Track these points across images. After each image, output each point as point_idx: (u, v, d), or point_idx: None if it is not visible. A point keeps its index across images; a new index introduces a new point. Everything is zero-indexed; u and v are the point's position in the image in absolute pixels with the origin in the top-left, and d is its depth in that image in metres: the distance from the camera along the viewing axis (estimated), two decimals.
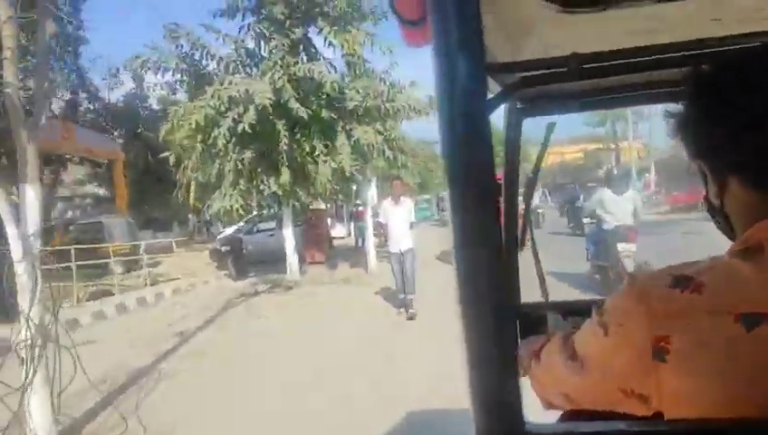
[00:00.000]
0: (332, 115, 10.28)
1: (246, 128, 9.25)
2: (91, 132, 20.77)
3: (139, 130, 23.48)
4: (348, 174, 10.02)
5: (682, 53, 0.97)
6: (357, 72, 10.48)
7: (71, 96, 24.13)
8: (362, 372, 4.77)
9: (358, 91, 10.32)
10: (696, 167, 0.69)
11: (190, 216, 25.39)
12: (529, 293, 1.37)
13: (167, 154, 11.08)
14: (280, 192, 10.22)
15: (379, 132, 10.40)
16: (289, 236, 11.54)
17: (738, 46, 0.87)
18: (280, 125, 9.92)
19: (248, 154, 10.20)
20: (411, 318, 7.01)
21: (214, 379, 4.97)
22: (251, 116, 9.28)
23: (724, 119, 0.61)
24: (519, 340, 0.94)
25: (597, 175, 35.13)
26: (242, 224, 16.38)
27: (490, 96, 1.02)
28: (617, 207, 6.76)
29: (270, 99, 9.09)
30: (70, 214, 23.35)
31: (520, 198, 1.47)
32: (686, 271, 0.61)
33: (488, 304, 0.48)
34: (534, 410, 0.69)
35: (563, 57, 0.97)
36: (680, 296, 0.59)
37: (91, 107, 25.21)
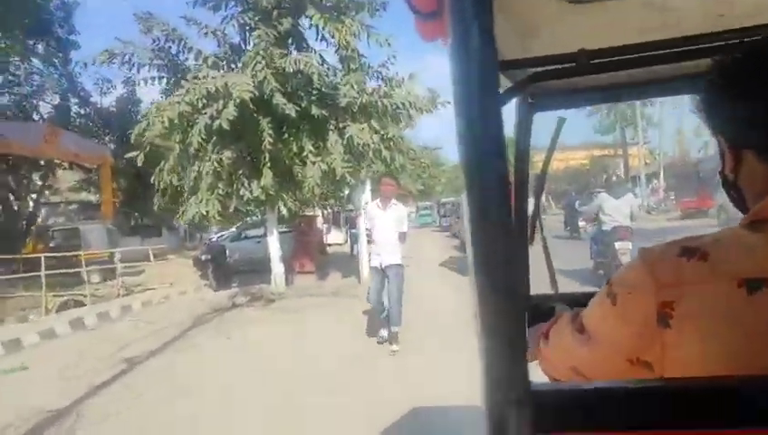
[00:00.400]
0: (323, 112, 9.30)
1: (224, 125, 8.29)
2: (76, 137, 19.95)
3: (131, 134, 22.65)
4: (339, 177, 9.01)
5: (689, 47, 1.00)
6: (351, 65, 9.52)
7: (61, 101, 23.49)
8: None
9: (352, 87, 9.36)
10: (716, 143, 0.72)
11: (181, 221, 24.45)
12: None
13: (133, 154, 10.10)
14: (263, 196, 9.22)
15: (375, 131, 9.41)
16: (274, 243, 10.53)
17: (753, 38, 0.84)
18: (264, 123, 8.95)
19: (228, 155, 9.23)
20: (393, 352, 5.45)
21: (144, 428, 3.93)
22: (229, 112, 8.32)
23: (745, 98, 0.65)
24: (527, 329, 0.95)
25: (601, 180, 34.56)
26: (233, 230, 15.46)
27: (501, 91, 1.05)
28: (615, 210, 7.67)
29: (250, 93, 8.13)
30: (53, 220, 22.45)
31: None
32: (693, 243, 0.64)
33: (501, 290, 0.49)
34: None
35: (573, 53, 0.99)
36: (686, 264, 0.62)
37: (82, 111, 24.50)
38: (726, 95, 0.68)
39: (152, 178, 10.34)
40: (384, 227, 5.58)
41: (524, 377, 0.50)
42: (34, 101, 22.99)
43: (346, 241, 15.34)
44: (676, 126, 39.68)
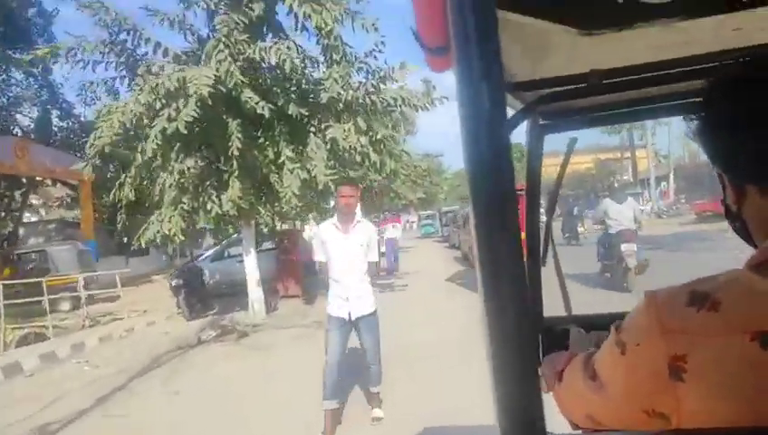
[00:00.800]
0: (303, 111, 7.96)
1: (181, 128, 6.96)
2: (53, 151, 18.74)
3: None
4: (322, 186, 7.65)
5: (700, 66, 0.99)
6: (333, 55, 8.20)
7: (41, 113, 22.37)
8: None
9: (335, 81, 8.04)
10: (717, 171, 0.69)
11: (142, 242, 22.80)
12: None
13: (79, 166, 8.75)
14: (233, 211, 7.86)
15: (363, 132, 8.06)
16: (251, 264, 9.16)
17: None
18: (233, 125, 7.63)
19: (192, 163, 7.91)
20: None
21: None
22: (188, 113, 6.99)
23: (741, 128, 0.62)
24: (541, 353, 1.00)
25: (607, 185, 33.42)
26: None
27: (513, 113, 1.10)
28: (619, 214, 8.17)
29: (210, 87, 6.80)
30: (34, 241, 21.11)
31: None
32: (703, 287, 0.61)
33: (511, 317, 0.48)
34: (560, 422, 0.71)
35: (584, 73, 1.00)
36: (696, 315, 0.59)
37: (64, 124, 23.34)
38: (722, 122, 0.64)
39: (139, 195, 8.97)
40: (347, 258, 3.81)
41: (540, 425, 0.47)
42: (13, 113, 21.90)
43: None
44: (687, 125, 38.21)
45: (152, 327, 9.68)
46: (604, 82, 1.00)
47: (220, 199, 7.94)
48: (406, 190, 25.62)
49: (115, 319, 10.85)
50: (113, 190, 9.13)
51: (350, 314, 3.84)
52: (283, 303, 10.47)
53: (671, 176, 36.02)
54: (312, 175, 7.81)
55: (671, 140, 39.45)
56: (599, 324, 1.13)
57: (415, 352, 5.79)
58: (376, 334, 3.98)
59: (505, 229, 0.48)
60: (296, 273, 10.93)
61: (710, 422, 0.57)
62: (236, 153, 7.36)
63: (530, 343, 0.49)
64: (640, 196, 30.68)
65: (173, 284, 10.09)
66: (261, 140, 8.29)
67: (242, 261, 13.78)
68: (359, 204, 4.49)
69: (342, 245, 3.84)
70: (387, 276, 13.57)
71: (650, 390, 0.60)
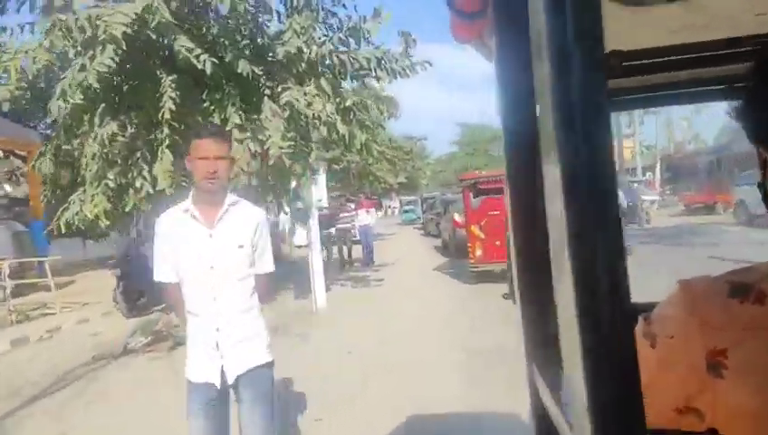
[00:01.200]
0: (256, 70, 6.51)
1: (92, 81, 5.48)
2: None
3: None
4: (273, 160, 6.25)
5: (725, 50, 0.97)
6: (294, 2, 6.75)
7: None
8: None
9: (296, 34, 6.61)
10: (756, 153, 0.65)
11: (133, 221, 21.17)
12: None
13: None
14: (169, 191, 6.41)
15: (328, 97, 6.64)
16: None
17: None
18: (167, 82, 6.15)
19: (117, 128, 6.41)
20: None
21: None
22: (102, 61, 5.50)
23: None
24: None
25: None
26: None
27: None
28: None
29: (127, 28, 5.31)
30: None
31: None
32: (742, 278, 0.58)
33: (608, 310, 0.44)
34: None
35: (604, 55, 0.81)
36: (739, 308, 0.56)
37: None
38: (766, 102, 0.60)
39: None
40: (215, 272, 2.17)
41: (640, 414, 0.43)
42: None
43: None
44: (672, 115, 37.71)
45: (83, 326, 8.23)
46: (625, 63, 0.98)
47: (154, 176, 6.48)
48: (386, 173, 24.28)
49: (46, 314, 9.36)
50: (33, 160, 7.61)
51: (223, 375, 2.18)
52: None
53: (657, 167, 35.43)
54: (265, 148, 6.40)
55: (658, 130, 38.83)
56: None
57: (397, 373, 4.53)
58: (268, 410, 2.23)
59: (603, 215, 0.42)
60: None
61: (749, 421, 0.54)
62: (168, 116, 5.89)
63: (628, 335, 0.44)
64: (645, 183, 29.74)
65: (110, 273, 8.59)
66: (207, 103, 6.81)
67: None
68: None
69: (205, 247, 2.17)
70: (362, 268, 12.30)
71: (683, 386, 0.57)
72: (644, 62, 0.98)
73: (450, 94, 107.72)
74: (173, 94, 5.99)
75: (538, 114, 0.46)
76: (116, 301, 8.40)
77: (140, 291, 8.78)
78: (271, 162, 6.30)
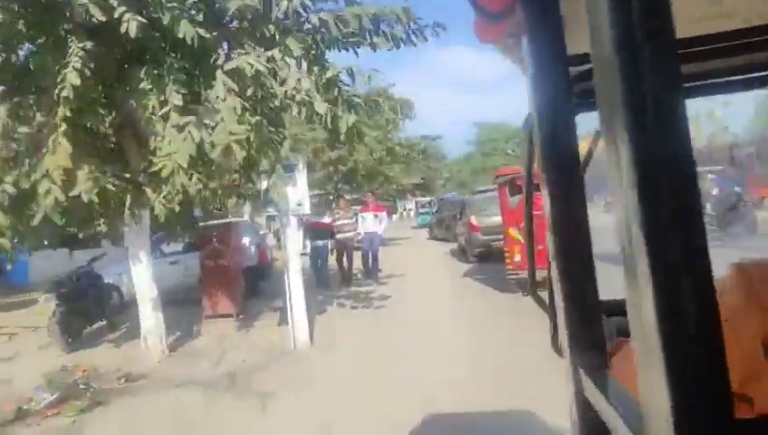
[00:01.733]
0: (201, 33, 4.77)
1: None
2: None
3: None
4: (219, 152, 4.51)
5: (750, 39, 0.98)
6: None
7: None
8: None
9: None
10: None
11: (126, 228, 19.33)
12: None
13: None
14: (87, 197, 4.72)
15: (298, 60, 4.88)
16: (142, 277, 6.07)
17: None
18: (75, 49, 4.47)
19: (11, 112, 4.75)
20: None
21: None
22: None
23: None
24: None
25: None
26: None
27: None
28: None
29: None
30: None
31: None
32: None
33: (693, 310, 0.45)
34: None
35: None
36: None
37: None
38: None
39: None
40: None
41: (726, 402, 0.43)
42: None
43: (305, 249, 10.47)
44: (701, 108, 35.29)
45: (4, 365, 6.58)
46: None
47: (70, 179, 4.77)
48: (398, 174, 22.39)
49: None
50: None
51: None
52: (209, 327, 7.36)
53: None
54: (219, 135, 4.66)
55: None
56: (617, 310, 1.09)
57: None
58: None
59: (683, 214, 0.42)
60: (230, 282, 7.80)
61: None
62: (68, 94, 4.20)
63: (716, 338, 0.44)
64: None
65: (41, 299, 6.98)
66: (144, 82, 5.11)
67: (175, 262, 10.79)
68: None
69: None
70: (365, 281, 10.52)
71: (736, 372, 0.52)
72: (699, 49, 0.97)
73: (465, 96, 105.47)
74: (78, 65, 4.30)
75: (599, 115, 0.46)
76: (50, 331, 6.76)
77: (86, 318, 7.19)
78: (214, 154, 4.56)
